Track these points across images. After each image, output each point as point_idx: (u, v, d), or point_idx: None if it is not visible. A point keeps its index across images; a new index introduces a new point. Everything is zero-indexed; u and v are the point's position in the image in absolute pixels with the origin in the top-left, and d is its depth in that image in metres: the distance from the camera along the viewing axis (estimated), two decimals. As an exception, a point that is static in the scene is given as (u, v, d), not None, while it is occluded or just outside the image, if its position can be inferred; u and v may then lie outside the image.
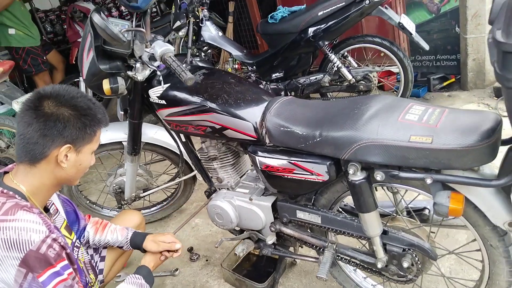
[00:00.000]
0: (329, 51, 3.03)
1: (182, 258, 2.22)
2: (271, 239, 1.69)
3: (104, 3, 5.20)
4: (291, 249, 1.81)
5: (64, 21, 4.92)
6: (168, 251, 1.52)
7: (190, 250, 2.23)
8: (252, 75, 3.40)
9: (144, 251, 1.52)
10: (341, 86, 3.13)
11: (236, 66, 3.57)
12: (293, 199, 1.60)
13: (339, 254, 1.55)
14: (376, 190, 1.46)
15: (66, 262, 1.14)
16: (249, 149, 1.55)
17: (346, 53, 3.24)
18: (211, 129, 1.56)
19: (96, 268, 1.54)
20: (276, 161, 1.46)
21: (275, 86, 3.26)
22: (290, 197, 1.60)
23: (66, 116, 1.16)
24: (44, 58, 4.02)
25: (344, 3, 2.83)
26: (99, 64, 1.55)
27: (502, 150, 1.13)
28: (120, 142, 2.20)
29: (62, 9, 5.16)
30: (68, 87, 1.22)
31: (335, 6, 2.85)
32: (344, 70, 3.00)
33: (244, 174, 1.84)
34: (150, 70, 1.66)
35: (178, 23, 3.29)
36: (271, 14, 3.20)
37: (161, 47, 1.50)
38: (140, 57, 1.60)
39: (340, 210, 1.61)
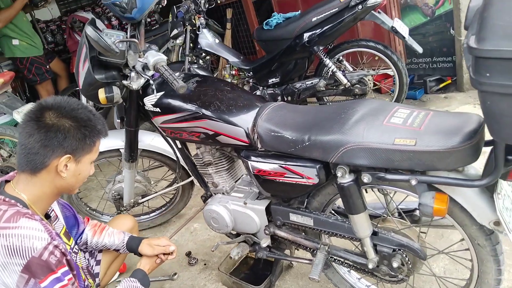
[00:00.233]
0: (324, 56, 3.06)
1: (181, 262, 2.25)
2: (265, 242, 1.72)
3: (104, 12, 5.27)
4: (287, 251, 1.84)
5: (65, 31, 5.01)
6: (164, 254, 1.55)
7: (189, 254, 2.26)
8: (250, 80, 3.44)
9: (140, 255, 1.56)
10: (336, 90, 3.16)
11: (233, 72, 3.61)
12: (286, 202, 1.63)
13: (332, 256, 1.58)
14: (367, 192, 1.50)
15: (66, 268, 1.18)
16: (241, 154, 1.59)
17: (341, 57, 3.27)
18: (204, 135, 1.60)
19: (92, 272, 1.58)
20: (268, 165, 1.50)
21: (272, 91, 3.30)
22: (283, 200, 1.64)
23: (67, 127, 1.20)
24: (48, 66, 4.09)
25: (337, 8, 2.86)
26: (95, 74, 1.60)
27: (487, 150, 1.16)
28: (118, 150, 2.24)
29: (63, 19, 5.25)
30: (69, 99, 1.26)
31: (329, 12, 2.89)
32: (339, 74, 3.03)
33: (239, 178, 1.88)
34: (145, 79, 1.70)
35: (175, 31, 3.36)
36: (266, 21, 3.25)
37: (154, 57, 1.54)
38: (133, 67, 1.64)
39: (333, 212, 1.64)
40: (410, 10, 3.66)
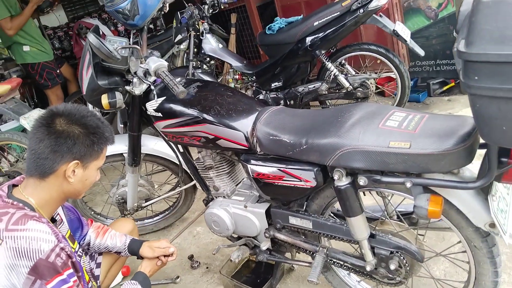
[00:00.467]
0: (326, 60, 3.08)
1: (183, 265, 2.27)
2: (265, 245, 1.73)
3: (110, 18, 5.34)
4: (288, 254, 1.86)
5: (72, 38, 5.09)
6: (164, 256, 1.58)
7: (191, 257, 2.28)
8: (253, 85, 3.47)
9: (141, 257, 1.59)
10: (339, 94, 3.17)
11: (237, 76, 3.64)
12: (286, 205, 1.65)
13: (330, 258, 1.59)
14: (364, 195, 1.51)
15: (71, 270, 1.21)
16: (241, 157, 1.61)
17: (343, 61, 3.29)
18: (205, 139, 1.63)
19: (93, 274, 1.60)
20: (267, 169, 1.52)
21: (275, 95, 3.33)
22: (282, 203, 1.65)
23: (76, 134, 1.24)
24: (58, 71, 4.17)
25: (339, 13, 2.89)
26: (99, 80, 1.64)
27: (482, 152, 1.17)
28: (122, 154, 2.27)
29: (70, 25, 5.33)
30: (79, 106, 1.30)
31: (330, 16, 2.91)
32: (341, 78, 3.05)
33: (240, 182, 1.90)
34: (146, 85, 1.74)
35: (179, 37, 3.41)
36: (268, 26, 3.28)
37: (155, 63, 1.58)
38: (135, 73, 1.68)
39: (332, 215, 1.65)
40: (413, 13, 3.66)
